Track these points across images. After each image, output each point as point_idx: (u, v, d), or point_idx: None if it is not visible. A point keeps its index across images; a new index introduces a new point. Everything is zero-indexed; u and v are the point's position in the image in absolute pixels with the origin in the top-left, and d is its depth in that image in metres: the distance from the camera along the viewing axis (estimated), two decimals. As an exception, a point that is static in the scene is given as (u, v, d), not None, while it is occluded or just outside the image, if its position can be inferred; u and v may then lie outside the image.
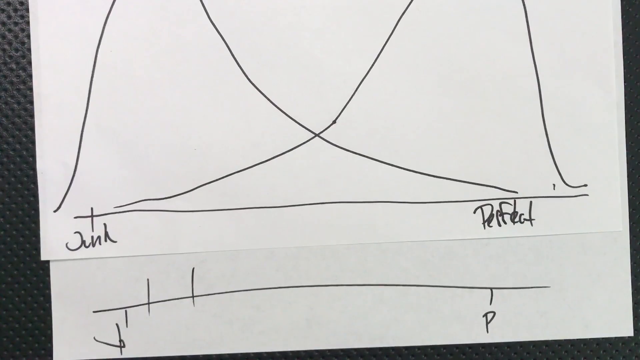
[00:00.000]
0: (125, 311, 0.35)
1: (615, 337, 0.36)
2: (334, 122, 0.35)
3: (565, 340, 0.36)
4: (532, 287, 0.36)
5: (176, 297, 0.35)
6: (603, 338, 0.36)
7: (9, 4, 0.35)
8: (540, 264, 0.36)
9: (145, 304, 0.35)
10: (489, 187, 0.36)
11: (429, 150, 0.35)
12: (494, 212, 0.36)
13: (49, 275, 0.35)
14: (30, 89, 0.35)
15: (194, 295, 0.35)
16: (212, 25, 0.35)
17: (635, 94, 0.36)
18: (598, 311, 0.36)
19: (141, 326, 0.35)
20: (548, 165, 0.36)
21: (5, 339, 0.35)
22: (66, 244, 0.35)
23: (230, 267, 0.35)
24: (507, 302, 0.36)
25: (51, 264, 0.35)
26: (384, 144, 0.35)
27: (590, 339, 0.36)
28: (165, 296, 0.35)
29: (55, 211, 0.35)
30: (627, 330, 0.36)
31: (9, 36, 0.35)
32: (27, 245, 0.35)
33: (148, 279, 0.35)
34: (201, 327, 0.35)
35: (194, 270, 0.35)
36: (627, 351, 0.36)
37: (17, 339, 0.35)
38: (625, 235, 0.36)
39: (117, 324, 0.35)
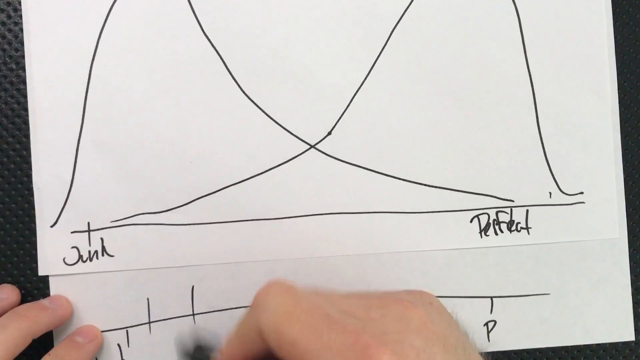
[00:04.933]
0: (127, 331, 0.35)
1: (617, 342, 0.36)
2: (329, 133, 0.35)
3: (567, 346, 0.36)
4: (532, 295, 0.36)
5: (177, 316, 0.35)
6: (605, 343, 0.36)
7: (8, 4, 0.35)
8: (539, 271, 0.36)
9: (146, 323, 0.35)
10: (485, 196, 0.36)
11: (424, 160, 0.35)
12: (491, 221, 0.36)
13: (48, 289, 0.35)
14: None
15: (195, 313, 0.35)
16: (206, 39, 0.35)
17: (629, 101, 0.36)
18: (599, 317, 0.36)
19: (143, 346, 0.35)
20: (544, 174, 0.36)
21: (3, 356, 0.35)
22: (63, 259, 0.35)
23: (229, 284, 0.35)
24: (508, 311, 0.36)
25: (51, 284, 0.35)
26: (379, 155, 0.35)
27: (592, 344, 0.36)
28: (166, 315, 0.35)
29: (52, 226, 0.35)
30: (629, 335, 0.36)
31: (9, 36, 0.35)
32: (27, 258, 0.35)
33: (148, 298, 0.35)
34: (201, 344, 0.35)
35: (194, 288, 0.35)
36: (630, 356, 0.36)
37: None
38: (623, 241, 0.36)
39: (118, 344, 0.35)
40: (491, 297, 0.36)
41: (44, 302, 0.34)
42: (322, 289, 0.24)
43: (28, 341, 0.31)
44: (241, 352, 0.23)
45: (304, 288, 0.23)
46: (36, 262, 0.35)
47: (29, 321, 0.31)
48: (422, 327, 0.21)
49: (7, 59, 0.35)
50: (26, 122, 0.35)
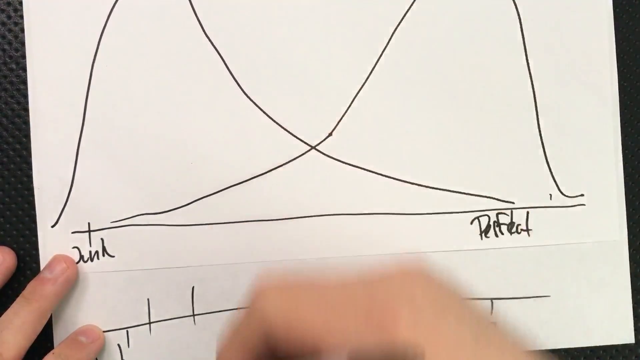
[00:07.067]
0: (127, 331, 0.35)
1: (617, 345, 0.36)
2: (330, 134, 0.35)
3: (567, 349, 0.36)
4: (532, 297, 0.36)
5: (177, 316, 0.35)
6: (605, 346, 0.36)
7: (9, 4, 0.35)
8: (539, 273, 0.36)
9: (146, 323, 0.35)
10: (485, 198, 0.36)
11: (425, 161, 0.35)
12: (491, 223, 0.36)
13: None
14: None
15: (195, 314, 0.35)
16: (207, 39, 0.35)
17: (630, 103, 0.36)
18: (599, 319, 0.36)
19: (143, 346, 0.35)
20: (544, 175, 0.36)
21: (3, 356, 0.35)
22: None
23: (229, 284, 0.35)
24: (508, 312, 0.36)
25: None
26: (380, 156, 0.35)
27: (592, 347, 0.36)
28: (166, 315, 0.35)
29: (52, 226, 0.35)
30: (629, 337, 0.36)
31: (9, 36, 0.35)
32: (27, 259, 0.35)
33: (148, 299, 0.35)
34: (203, 345, 0.35)
35: (194, 288, 0.35)
36: (630, 356, 0.36)
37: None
38: (623, 243, 0.36)
39: (118, 345, 0.35)
40: (491, 299, 0.36)
41: (45, 274, 0.34)
42: (310, 278, 0.24)
43: (44, 320, 0.33)
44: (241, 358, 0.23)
45: (294, 281, 0.23)
46: (36, 262, 0.35)
47: (37, 301, 0.32)
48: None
49: (7, 59, 0.35)
50: (26, 122, 0.35)
